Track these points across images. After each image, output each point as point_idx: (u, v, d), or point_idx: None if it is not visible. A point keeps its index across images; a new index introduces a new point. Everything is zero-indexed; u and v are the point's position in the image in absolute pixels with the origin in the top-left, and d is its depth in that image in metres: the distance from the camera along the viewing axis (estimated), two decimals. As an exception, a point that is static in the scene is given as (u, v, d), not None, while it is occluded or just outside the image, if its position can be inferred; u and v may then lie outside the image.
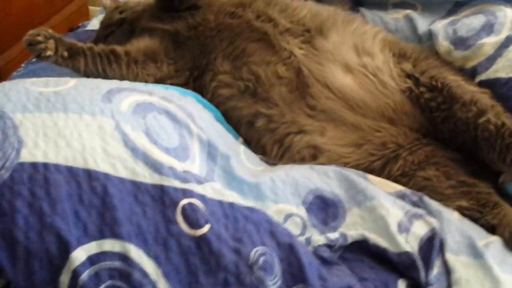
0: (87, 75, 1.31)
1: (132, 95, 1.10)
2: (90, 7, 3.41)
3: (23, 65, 1.62)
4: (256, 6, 1.39)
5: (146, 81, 1.34)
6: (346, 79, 1.26)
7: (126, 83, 1.17)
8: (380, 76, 1.24)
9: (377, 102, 1.22)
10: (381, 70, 1.25)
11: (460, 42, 1.33)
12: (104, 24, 1.52)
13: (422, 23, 1.44)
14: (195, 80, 1.36)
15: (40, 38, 1.21)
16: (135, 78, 1.34)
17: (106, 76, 1.31)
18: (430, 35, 1.40)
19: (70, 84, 1.09)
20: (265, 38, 1.33)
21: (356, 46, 1.30)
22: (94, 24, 1.74)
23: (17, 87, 1.06)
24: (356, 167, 1.18)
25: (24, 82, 1.10)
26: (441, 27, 1.38)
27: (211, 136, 1.12)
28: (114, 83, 1.14)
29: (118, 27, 1.47)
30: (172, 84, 1.35)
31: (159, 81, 1.35)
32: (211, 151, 1.09)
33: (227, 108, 1.29)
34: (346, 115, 1.22)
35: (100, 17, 1.77)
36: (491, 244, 1.03)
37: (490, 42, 1.27)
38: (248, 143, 1.28)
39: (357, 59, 1.28)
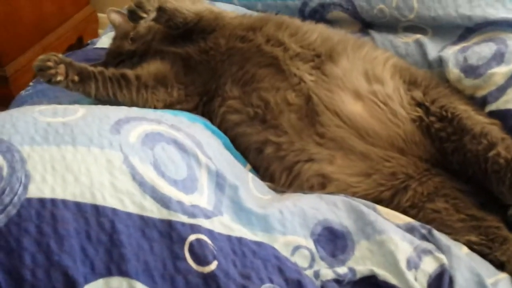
0: (97, 99, 1.31)
1: (141, 125, 1.10)
2: (100, 14, 3.41)
3: (31, 83, 1.62)
4: (266, 30, 1.38)
5: (155, 107, 1.34)
6: (356, 107, 1.25)
7: (135, 111, 1.17)
8: (391, 104, 1.24)
9: (387, 132, 1.21)
10: (392, 98, 1.25)
11: (470, 70, 1.32)
12: (113, 52, 1.51)
13: (432, 48, 1.43)
14: (204, 105, 1.36)
15: (50, 64, 1.21)
16: (145, 104, 1.34)
17: (116, 101, 1.31)
18: (441, 61, 1.39)
19: (79, 114, 1.09)
20: (275, 63, 1.32)
21: (367, 72, 1.29)
22: (103, 42, 1.74)
23: (25, 117, 1.06)
24: (365, 197, 1.18)
25: (32, 110, 1.10)
26: (451, 53, 1.37)
27: (219, 166, 1.11)
28: (123, 112, 1.14)
29: (128, 58, 1.47)
30: (181, 109, 1.34)
31: (169, 106, 1.35)
32: (219, 182, 1.08)
33: (236, 134, 1.29)
34: (355, 144, 1.22)
35: (110, 34, 1.77)
36: (500, 282, 1.02)
37: (500, 72, 1.26)
38: (256, 170, 1.28)
39: (368, 86, 1.27)
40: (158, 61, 1.41)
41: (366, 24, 1.58)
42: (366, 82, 1.28)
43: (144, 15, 1.27)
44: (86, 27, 3.32)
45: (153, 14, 1.29)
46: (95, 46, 1.73)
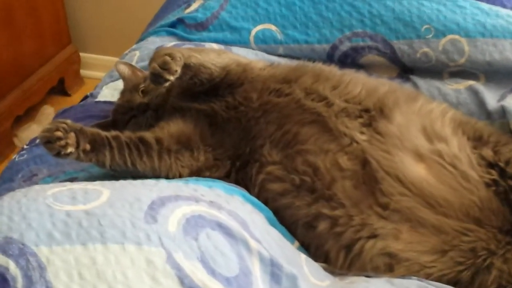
0: (113, 169, 1.11)
1: (178, 206, 0.91)
2: (82, 54, 3.21)
3: (26, 146, 1.41)
4: (303, 82, 1.21)
5: (180, 174, 1.15)
6: (419, 170, 1.08)
7: (166, 187, 0.99)
8: (459, 166, 1.07)
9: (460, 199, 1.04)
10: (459, 159, 1.08)
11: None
12: (122, 107, 1.32)
13: (491, 97, 1.28)
14: (238, 171, 1.17)
15: (59, 134, 1.01)
16: (168, 171, 1.14)
17: (135, 170, 1.11)
18: (503, 112, 1.23)
19: (103, 198, 0.89)
20: (319, 121, 1.15)
21: (425, 128, 1.13)
22: (105, 94, 1.54)
23: (36, 205, 0.86)
24: (441, 278, 1.00)
25: (43, 195, 0.90)
26: (516, 103, 1.22)
27: (271, 251, 0.93)
28: (154, 190, 0.95)
29: (141, 113, 1.28)
30: (211, 176, 1.15)
31: (195, 173, 1.16)
32: (274, 272, 0.90)
33: (279, 207, 1.10)
34: (424, 215, 1.04)
35: (111, 85, 1.58)
36: None
37: None
38: (305, 247, 1.09)
39: (429, 145, 1.10)
40: (179, 120, 1.22)
41: (405, 69, 1.42)
42: (426, 140, 1.11)
43: (171, 78, 1.08)
44: (68, 68, 3.11)
45: (178, 74, 1.10)
46: (96, 100, 1.53)
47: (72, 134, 1.04)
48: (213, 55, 1.23)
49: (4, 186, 1.26)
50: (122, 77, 1.41)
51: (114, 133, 1.13)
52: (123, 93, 1.36)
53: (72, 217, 0.83)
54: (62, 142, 1.02)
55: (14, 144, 2.76)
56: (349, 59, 1.46)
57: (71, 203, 0.87)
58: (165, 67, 1.08)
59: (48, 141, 1.01)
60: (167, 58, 1.09)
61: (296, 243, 1.09)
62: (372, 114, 1.15)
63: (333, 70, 1.27)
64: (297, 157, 1.11)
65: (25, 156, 1.35)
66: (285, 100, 1.18)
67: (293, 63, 1.34)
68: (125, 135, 1.13)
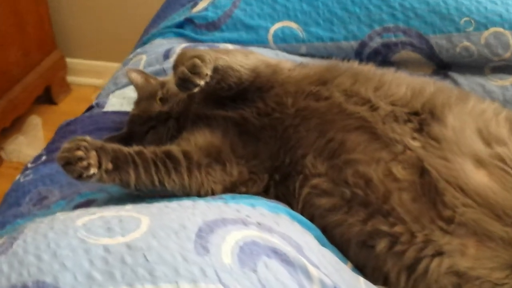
0: (138, 190, 0.98)
1: (228, 232, 0.80)
2: (68, 60, 3.06)
3: (30, 165, 1.27)
4: (341, 84, 1.10)
5: (213, 191, 1.03)
6: (481, 177, 0.97)
7: (208, 210, 0.88)
8: (524, 171, 0.97)
9: (530, 208, 0.94)
10: (522, 163, 0.98)
11: None
12: (139, 118, 1.19)
13: (541, 93, 1.19)
14: (277, 185, 1.05)
15: (80, 154, 0.88)
16: (199, 188, 1.02)
17: (163, 189, 0.99)
18: (559, 110, 1.14)
19: (143, 227, 0.77)
20: (365, 127, 1.04)
21: (480, 130, 1.03)
22: (113, 103, 1.41)
23: (68, 240, 0.74)
24: (515, 297, 0.90)
25: (73, 226, 0.78)
26: None
27: (332, 277, 0.83)
28: (196, 214, 0.84)
29: (161, 123, 1.15)
30: (248, 192, 1.04)
31: (230, 189, 1.04)
32: (339, 300, 0.79)
33: (328, 224, 0.99)
34: (492, 227, 0.93)
35: (118, 93, 1.45)
36: None
37: None
38: (359, 268, 0.98)
39: (487, 149, 1.00)
40: (205, 130, 1.10)
41: (442, 66, 1.32)
42: (484, 144, 1.01)
43: (201, 83, 0.96)
44: (54, 76, 2.96)
45: (209, 78, 0.98)
46: (104, 110, 1.40)
47: (94, 153, 0.92)
48: (240, 56, 1.11)
49: (10, 212, 1.13)
50: (135, 85, 1.28)
51: (137, 148, 1.00)
52: (138, 102, 1.24)
53: (112, 252, 0.71)
54: (84, 163, 0.89)
55: (1, 157, 2.60)
56: (380, 57, 1.35)
57: (107, 235, 0.75)
58: (194, 70, 0.96)
59: (68, 162, 0.88)
60: (197, 60, 0.97)
61: (349, 265, 0.98)
62: (422, 117, 1.05)
63: (371, 69, 1.17)
64: (345, 167, 1.00)
65: (31, 176, 1.21)
66: (325, 104, 1.07)
67: (323, 62, 1.22)
68: (150, 150, 1.01)
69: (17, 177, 1.25)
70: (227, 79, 1.07)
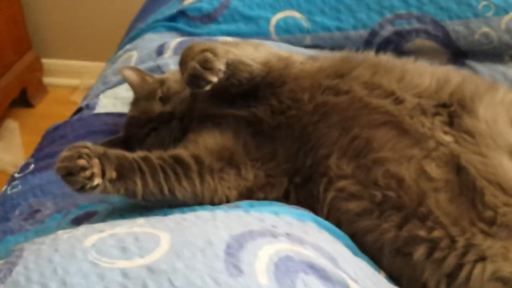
0: (146, 200, 0.88)
1: (259, 247, 0.71)
2: (44, 60, 2.92)
3: (17, 175, 1.15)
4: (360, 76, 1.01)
5: (228, 198, 0.93)
6: (519, 172, 0.90)
7: (230, 221, 0.78)
8: None
9: None
10: (561, 156, 0.90)
11: None
12: (138, 120, 1.08)
13: None
14: (298, 189, 0.96)
15: (82, 162, 0.78)
16: (213, 196, 0.92)
17: (173, 198, 0.89)
18: None
19: (164, 245, 0.67)
20: (392, 121, 0.95)
21: None
22: (104, 104, 1.30)
23: (78, 265, 0.63)
24: None
25: (81, 247, 0.67)
26: None
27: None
28: (220, 227, 0.75)
29: (163, 124, 1.05)
30: (266, 198, 0.94)
31: (246, 195, 0.95)
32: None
33: (358, 230, 0.90)
34: (537, 228, 0.86)
35: (110, 93, 1.34)
36: None
37: None
38: (393, 278, 0.89)
39: (523, 141, 0.93)
40: (214, 131, 1.00)
41: (458, 54, 1.24)
42: (517, 135, 0.94)
43: (214, 79, 0.86)
44: (30, 77, 2.82)
45: (221, 74, 0.89)
46: (95, 112, 1.29)
47: (96, 161, 0.81)
48: (250, 49, 1.02)
49: (-3, 228, 1.01)
50: (131, 84, 1.17)
51: (142, 153, 0.90)
52: (135, 103, 1.13)
53: (131, 278, 0.61)
54: (87, 173, 0.78)
55: (-22, 165, 2.46)
56: (391, 46, 1.27)
57: (123, 257, 0.64)
58: (207, 66, 0.86)
59: (70, 172, 0.77)
60: (209, 54, 0.87)
61: (383, 274, 0.89)
62: (451, 110, 0.97)
63: (390, 59, 1.08)
64: (374, 167, 0.91)
65: (19, 187, 1.09)
66: (345, 99, 0.98)
67: (336, 54, 1.13)
68: (156, 155, 0.91)
69: (3, 189, 1.13)
70: (238, 75, 0.97)
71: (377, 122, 0.95)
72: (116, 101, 1.30)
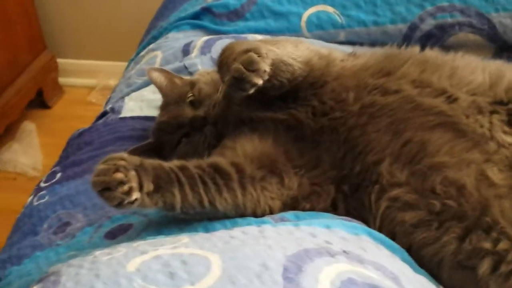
0: (184, 212, 0.81)
1: (318, 270, 0.65)
2: (59, 60, 2.86)
3: (43, 184, 1.09)
4: (408, 73, 0.94)
5: (271, 209, 0.87)
6: None
7: (280, 238, 0.71)
8: None
9: None
10: None
11: None
12: (168, 125, 1.02)
13: None
14: (346, 198, 0.89)
15: (120, 176, 0.72)
16: (255, 207, 0.86)
17: (214, 210, 0.83)
18: None
19: (215, 270, 0.61)
20: (447, 123, 0.88)
21: None
22: (130, 108, 1.24)
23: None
24: None
25: (124, 273, 0.61)
26: None
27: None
28: (273, 247, 0.69)
29: (196, 130, 0.99)
30: (312, 209, 0.88)
31: (290, 205, 0.88)
32: None
33: (415, 243, 0.83)
34: None
35: (135, 96, 1.28)
36: None
37: None
38: (455, 294, 0.82)
39: None
40: (253, 136, 0.93)
41: (504, 48, 1.16)
42: None
43: (259, 82, 0.80)
44: (46, 78, 2.76)
45: (266, 76, 0.82)
46: (121, 116, 1.22)
47: (134, 174, 0.75)
48: (290, 47, 0.95)
49: (26, 242, 0.96)
50: (159, 87, 1.11)
51: (178, 163, 0.84)
52: (165, 107, 1.07)
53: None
54: (125, 188, 0.72)
55: (-5, 168, 2.42)
56: (432, 40, 1.20)
57: (172, 284, 0.58)
58: (252, 67, 0.80)
59: (107, 187, 0.71)
60: (253, 55, 0.80)
61: (442, 288, 0.82)
62: (510, 107, 0.89)
63: (437, 54, 1.01)
64: (431, 174, 0.84)
65: (47, 198, 1.04)
66: (395, 99, 0.91)
67: (378, 50, 1.06)
68: (194, 164, 0.84)
69: (29, 199, 1.08)
70: (279, 75, 0.90)
71: (431, 124, 0.88)
72: (142, 103, 1.24)
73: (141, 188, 0.76)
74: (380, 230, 0.85)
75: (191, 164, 0.84)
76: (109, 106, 1.30)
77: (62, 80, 2.90)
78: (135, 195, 0.73)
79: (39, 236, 0.96)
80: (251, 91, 0.81)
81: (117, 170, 0.72)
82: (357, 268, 0.67)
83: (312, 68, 0.95)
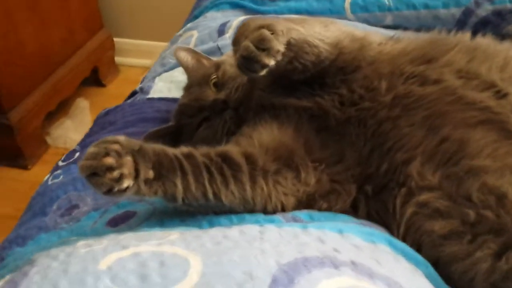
0: (187, 204, 0.74)
1: (314, 283, 0.55)
2: (116, 39, 2.86)
3: (61, 163, 1.06)
4: (452, 62, 0.83)
5: (283, 206, 0.79)
6: None
7: (280, 242, 0.63)
8: None
9: None
10: None
11: None
12: (189, 108, 0.96)
13: None
14: (368, 200, 0.79)
15: (109, 161, 0.65)
16: (266, 202, 0.78)
17: (219, 204, 0.76)
18: None
19: (193, 276, 0.55)
20: (493, 120, 0.77)
21: None
22: (159, 88, 1.18)
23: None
24: None
25: (94, 269, 0.55)
26: None
27: None
28: (267, 251, 0.60)
29: (216, 114, 0.92)
30: (329, 209, 0.79)
31: (305, 202, 0.80)
32: None
33: (443, 257, 0.72)
34: None
35: (165, 76, 1.22)
36: None
37: None
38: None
39: None
40: (272, 124, 0.85)
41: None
42: None
43: (271, 62, 0.72)
44: (101, 56, 2.77)
45: (280, 57, 0.73)
46: (149, 96, 1.17)
47: (129, 159, 0.68)
48: (318, 27, 0.85)
49: (34, 222, 0.92)
50: (185, 67, 1.04)
51: (185, 149, 0.76)
52: (188, 88, 1.00)
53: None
54: (115, 174, 0.66)
55: (47, 143, 2.44)
56: (488, 27, 1.07)
57: (141, 287, 0.51)
58: (263, 46, 0.71)
59: (94, 173, 0.65)
60: (265, 32, 0.72)
61: (472, 311, 0.71)
62: None
63: (490, 42, 0.88)
64: (468, 178, 0.73)
65: (61, 177, 1.00)
66: (434, 90, 0.80)
67: (423, 35, 0.95)
68: (201, 152, 0.77)
69: (46, 178, 1.04)
70: (302, 57, 0.81)
71: (474, 121, 0.77)
72: (171, 85, 1.18)
73: (137, 175, 0.69)
74: (403, 239, 0.75)
75: (199, 152, 0.77)
76: (140, 86, 1.25)
77: (118, 59, 2.90)
78: (127, 182, 0.67)
79: (47, 217, 0.92)
80: (262, 72, 0.72)
81: (107, 154, 0.66)
82: (362, 283, 0.58)
83: (341, 51, 0.85)
